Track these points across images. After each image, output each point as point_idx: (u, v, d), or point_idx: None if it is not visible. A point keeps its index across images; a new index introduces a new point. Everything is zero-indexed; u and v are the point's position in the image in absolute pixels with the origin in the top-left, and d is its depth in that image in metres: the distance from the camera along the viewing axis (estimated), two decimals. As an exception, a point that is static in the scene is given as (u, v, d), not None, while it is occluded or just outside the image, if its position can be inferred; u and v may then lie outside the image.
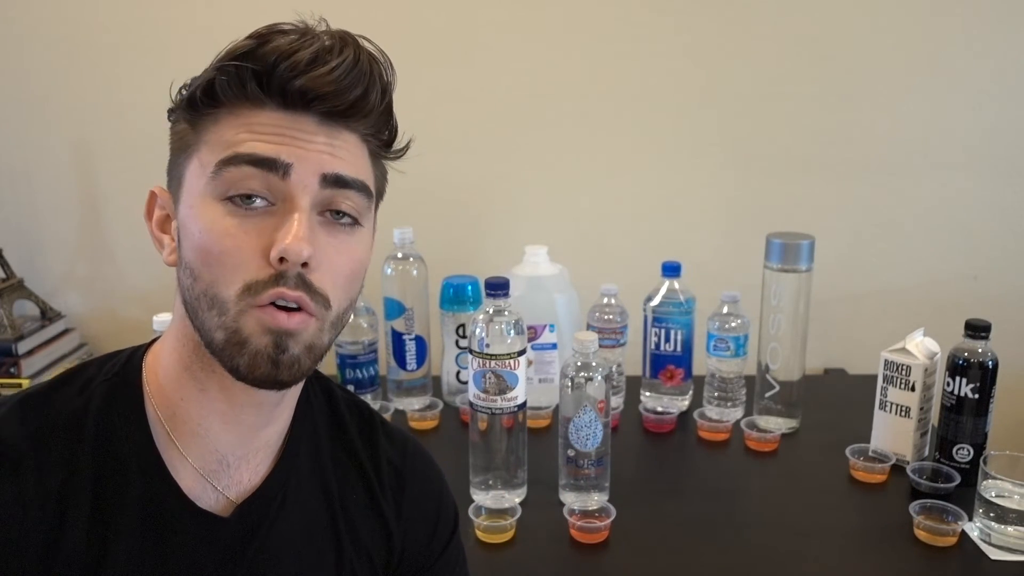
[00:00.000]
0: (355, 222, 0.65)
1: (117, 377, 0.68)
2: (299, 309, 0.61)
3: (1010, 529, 1.05)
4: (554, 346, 1.42)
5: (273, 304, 0.60)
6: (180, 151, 0.65)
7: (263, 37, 0.61)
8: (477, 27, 1.59)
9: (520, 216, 1.68)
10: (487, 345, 1.12)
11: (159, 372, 0.68)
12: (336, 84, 0.61)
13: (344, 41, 0.62)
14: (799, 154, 1.63)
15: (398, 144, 0.70)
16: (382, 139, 0.68)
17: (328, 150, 0.63)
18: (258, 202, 0.61)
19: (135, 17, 1.57)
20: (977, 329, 1.17)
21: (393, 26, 1.57)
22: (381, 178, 0.71)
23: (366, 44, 0.64)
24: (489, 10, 1.58)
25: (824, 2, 1.56)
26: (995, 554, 1.05)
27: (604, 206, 1.67)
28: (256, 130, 0.61)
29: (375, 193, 0.68)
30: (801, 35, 1.58)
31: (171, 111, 0.66)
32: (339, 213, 0.64)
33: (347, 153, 0.64)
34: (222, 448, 0.68)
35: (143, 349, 0.71)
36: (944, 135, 1.61)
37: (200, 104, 0.63)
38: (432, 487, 0.83)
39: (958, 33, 1.57)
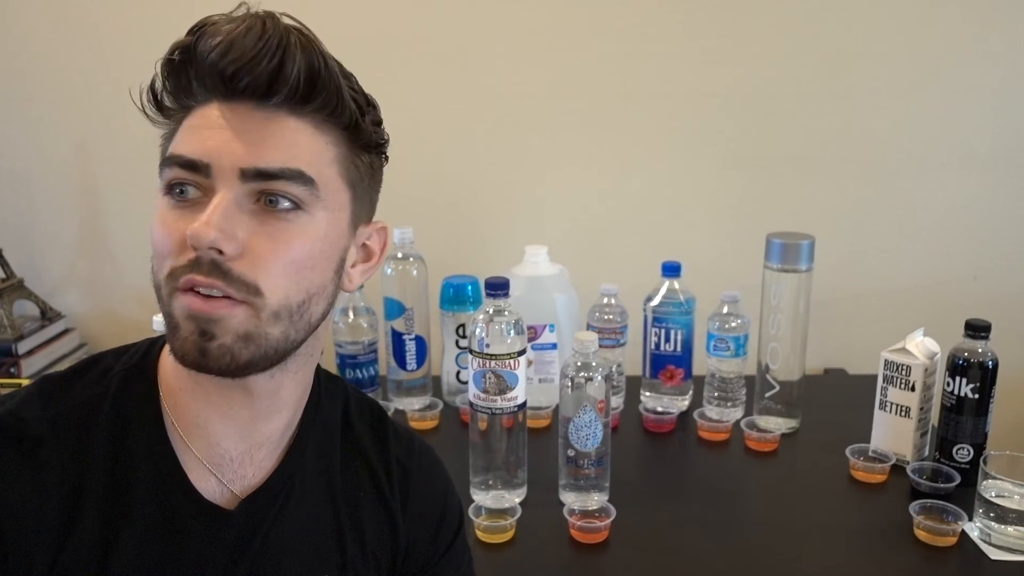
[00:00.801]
0: (295, 207, 0.63)
1: (135, 368, 0.69)
2: (223, 297, 0.61)
3: (1010, 529, 1.05)
4: (554, 346, 1.42)
5: (193, 290, 0.61)
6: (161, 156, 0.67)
7: (197, 31, 0.63)
8: (477, 28, 1.59)
9: (520, 216, 1.68)
10: (487, 345, 1.12)
11: (167, 364, 0.69)
12: (243, 58, 0.60)
13: (256, 18, 0.61)
14: (799, 154, 1.63)
15: (377, 136, 0.69)
16: (340, 123, 0.66)
17: (256, 140, 0.62)
18: (191, 192, 0.62)
19: (135, 17, 1.57)
20: (977, 329, 1.17)
21: (393, 27, 1.57)
22: (353, 168, 0.68)
23: (286, 20, 0.62)
24: (489, 11, 1.58)
25: (825, 2, 1.56)
26: (995, 554, 1.05)
27: (604, 206, 1.67)
28: (190, 130, 0.63)
29: (326, 182, 0.65)
30: (801, 35, 1.58)
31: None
32: (275, 200, 0.62)
33: (283, 140, 0.62)
34: (223, 442, 0.69)
35: (162, 340, 0.71)
36: (945, 135, 1.61)
37: (151, 114, 0.66)
38: (437, 485, 0.84)
39: (959, 33, 1.57)
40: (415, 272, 1.43)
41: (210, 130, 0.62)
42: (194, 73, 0.62)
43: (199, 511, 0.67)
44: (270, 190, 0.62)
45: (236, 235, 0.60)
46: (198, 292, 0.60)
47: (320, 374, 0.77)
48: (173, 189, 0.62)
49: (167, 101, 0.65)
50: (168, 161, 0.63)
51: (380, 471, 0.78)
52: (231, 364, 0.62)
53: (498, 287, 1.13)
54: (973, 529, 1.09)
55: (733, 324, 1.39)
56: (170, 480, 0.67)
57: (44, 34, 1.60)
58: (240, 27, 0.61)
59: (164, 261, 0.62)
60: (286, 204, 0.62)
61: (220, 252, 0.60)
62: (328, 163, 0.65)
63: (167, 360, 0.69)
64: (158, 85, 0.64)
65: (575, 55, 1.60)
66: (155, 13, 1.55)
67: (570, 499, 1.15)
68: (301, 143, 0.64)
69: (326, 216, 0.65)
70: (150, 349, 0.71)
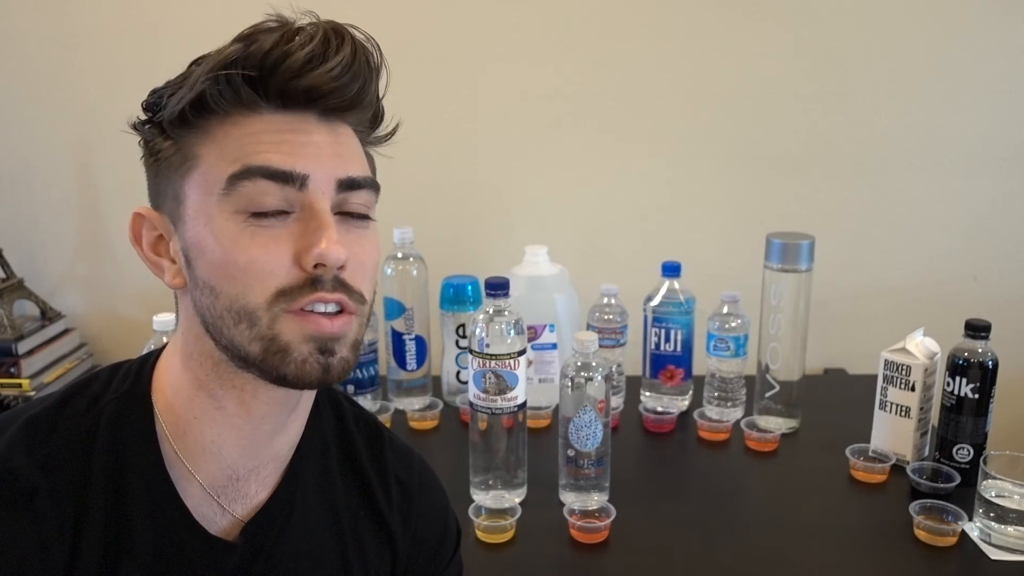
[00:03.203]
0: (366, 217, 0.65)
1: (128, 396, 0.66)
2: (340, 311, 0.61)
3: (1010, 529, 1.05)
4: (554, 346, 1.42)
5: (310, 310, 0.60)
6: (170, 170, 0.63)
7: (250, 38, 0.59)
8: (477, 28, 1.59)
9: (520, 216, 1.68)
10: (487, 345, 1.12)
11: (167, 392, 0.66)
12: (338, 81, 0.60)
13: (339, 35, 0.60)
14: (799, 154, 1.63)
15: (386, 129, 0.70)
16: (372, 126, 0.68)
17: (336, 151, 0.62)
18: (271, 207, 0.60)
19: (136, 17, 1.57)
20: (977, 329, 1.17)
21: (394, 27, 1.57)
22: (373, 166, 0.70)
23: (357, 34, 0.62)
24: (489, 11, 1.58)
25: (824, 2, 1.56)
26: (995, 554, 1.05)
27: (604, 206, 1.67)
28: (262, 138, 0.60)
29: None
30: (801, 35, 1.58)
31: (139, 125, 0.64)
32: (352, 211, 0.63)
33: (350, 150, 0.64)
34: (233, 463, 0.67)
35: (152, 361, 0.69)
36: (944, 135, 1.61)
37: (189, 116, 0.61)
38: (438, 502, 0.83)
39: (958, 33, 1.57)
40: (415, 272, 1.43)
41: (291, 142, 0.60)
42: (265, 86, 0.59)
43: (200, 544, 0.66)
44: (351, 203, 0.63)
45: (346, 248, 0.61)
46: (320, 312, 0.60)
47: None
48: (259, 210, 0.59)
49: (213, 106, 0.60)
50: (249, 173, 0.59)
51: (377, 488, 0.77)
52: (346, 373, 0.62)
53: (498, 287, 1.13)
54: (973, 529, 1.09)
55: (733, 324, 1.39)
56: (171, 513, 0.65)
57: (44, 34, 1.60)
58: (323, 48, 0.59)
59: (263, 283, 0.59)
60: (362, 212, 0.64)
61: (339, 267, 0.60)
62: (369, 167, 0.67)
63: (169, 388, 0.66)
64: (201, 87, 0.59)
65: (575, 55, 1.60)
66: (155, 13, 1.55)
67: (570, 499, 1.15)
68: (358, 149, 0.66)
69: (375, 222, 0.67)
70: (140, 372, 0.68)
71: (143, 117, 0.64)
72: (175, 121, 0.61)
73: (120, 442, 0.64)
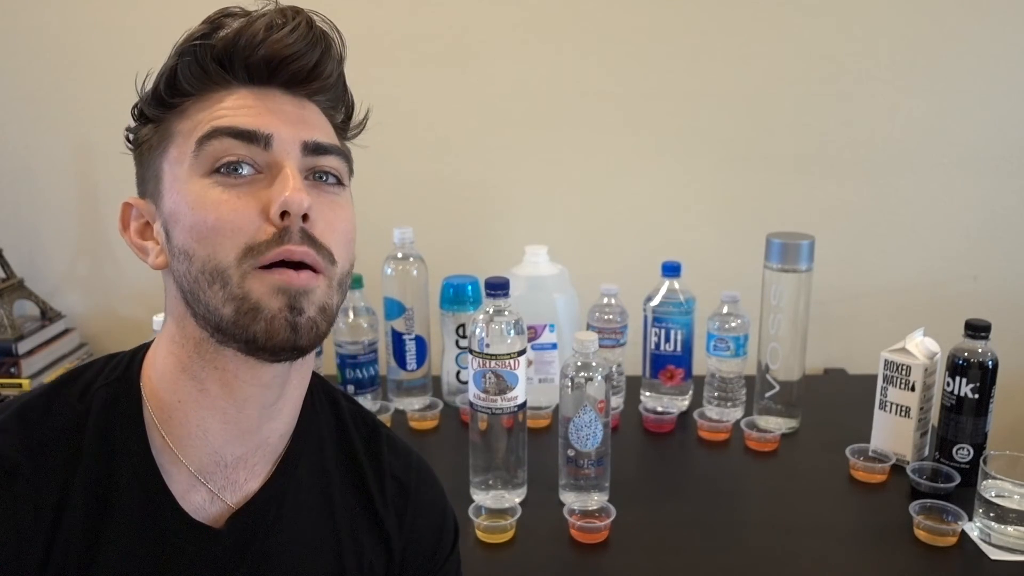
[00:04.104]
0: (338, 182, 0.67)
1: (118, 382, 0.68)
2: (306, 267, 0.61)
3: (1010, 529, 1.05)
4: (554, 346, 1.42)
5: (280, 264, 0.60)
6: (148, 152, 0.66)
7: (216, 21, 0.64)
8: (477, 28, 1.59)
9: (520, 216, 1.68)
10: (487, 345, 1.12)
11: (153, 377, 0.67)
12: (295, 47, 0.63)
13: (295, 11, 0.64)
14: (799, 154, 1.63)
15: (356, 117, 0.72)
16: (339, 114, 0.71)
17: (301, 117, 0.65)
18: (245, 170, 0.62)
19: (136, 17, 1.57)
20: (977, 329, 1.17)
21: (393, 26, 1.57)
22: (348, 154, 0.71)
23: (315, 15, 0.65)
24: (489, 11, 1.58)
25: (824, 2, 1.56)
26: (995, 554, 1.05)
27: (604, 206, 1.67)
28: (229, 106, 0.63)
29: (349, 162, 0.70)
30: (801, 35, 1.58)
31: (130, 129, 0.68)
32: (322, 176, 0.65)
33: (317, 120, 0.67)
34: (220, 448, 0.67)
35: (143, 352, 0.70)
36: (944, 135, 1.61)
37: (164, 97, 0.64)
38: (436, 499, 0.83)
39: (958, 33, 1.57)
40: (415, 272, 1.43)
41: (257, 108, 0.63)
42: (230, 59, 0.63)
43: (187, 531, 0.66)
44: (321, 165, 0.65)
45: (313, 202, 0.62)
46: (288, 265, 0.60)
47: (315, 381, 0.76)
48: (222, 168, 0.61)
49: (185, 85, 0.63)
50: (216, 133, 0.61)
51: (373, 484, 0.77)
52: (315, 338, 0.62)
53: (498, 287, 1.13)
54: (973, 529, 1.09)
55: (733, 324, 1.39)
56: (157, 499, 0.65)
57: (44, 34, 1.60)
58: (282, 20, 0.63)
59: (232, 240, 0.60)
60: (333, 179, 0.66)
61: (304, 219, 0.61)
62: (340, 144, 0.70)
63: (155, 373, 0.67)
64: (174, 67, 0.63)
65: (575, 55, 1.60)
66: (155, 13, 1.55)
67: (570, 499, 1.15)
68: (328, 126, 0.68)
69: (351, 194, 0.69)
70: (132, 361, 0.69)
71: (134, 121, 0.68)
72: (152, 103, 0.65)
73: (109, 428, 0.65)
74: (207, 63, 0.63)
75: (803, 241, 1.31)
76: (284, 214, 0.60)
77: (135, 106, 0.67)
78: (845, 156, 1.63)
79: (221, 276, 0.60)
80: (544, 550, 1.08)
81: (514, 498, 1.15)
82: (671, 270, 1.41)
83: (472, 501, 1.14)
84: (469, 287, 1.43)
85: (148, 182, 0.66)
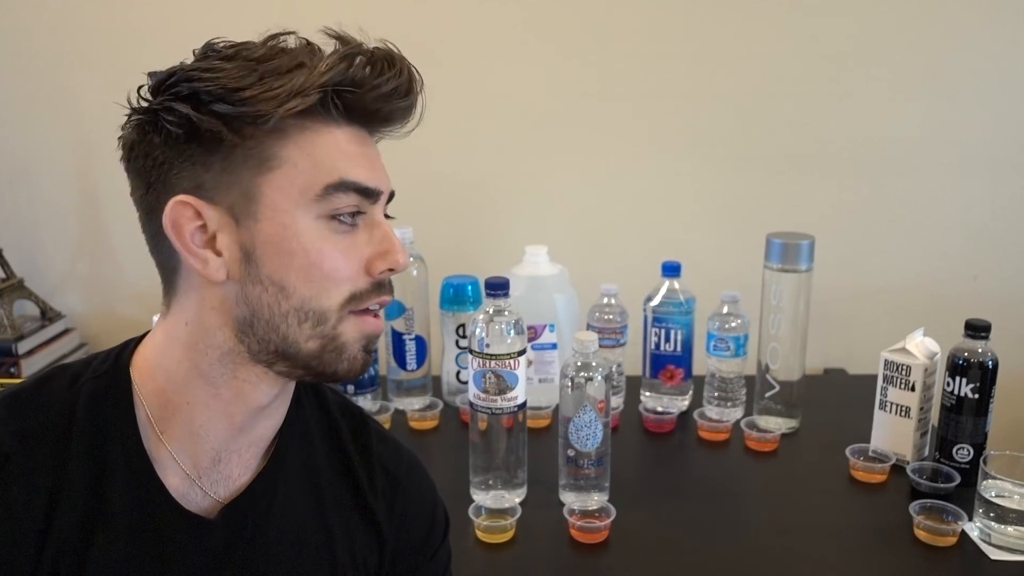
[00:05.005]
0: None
1: (107, 376, 0.68)
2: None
3: (1010, 529, 1.05)
4: (554, 346, 1.42)
5: (369, 311, 0.67)
6: (237, 163, 0.62)
7: (347, 59, 0.63)
8: (477, 29, 1.59)
9: (520, 216, 1.68)
10: (487, 345, 1.12)
11: (158, 376, 0.67)
12: (407, 113, 0.69)
13: (401, 63, 0.67)
14: (799, 154, 1.63)
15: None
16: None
17: (383, 166, 0.69)
18: (358, 221, 0.66)
19: (136, 17, 1.57)
20: (977, 329, 1.17)
21: (394, 26, 1.57)
22: None
23: (407, 61, 0.68)
24: (489, 11, 1.58)
25: (824, 2, 1.56)
26: (995, 554, 1.05)
27: (604, 206, 1.67)
28: (348, 152, 0.65)
29: None
30: (801, 35, 1.58)
31: (174, 109, 0.61)
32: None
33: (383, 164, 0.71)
34: (218, 446, 0.68)
35: (131, 347, 0.70)
36: (944, 135, 1.61)
37: (268, 115, 0.61)
38: (426, 490, 0.84)
39: (958, 33, 1.57)
40: (415, 272, 1.43)
41: (367, 158, 0.67)
42: (357, 106, 0.65)
43: (180, 521, 0.67)
44: (387, 207, 0.70)
45: None
46: (371, 312, 0.68)
47: None
48: (342, 217, 0.65)
49: (310, 116, 0.63)
50: (344, 186, 0.64)
51: (363, 476, 0.78)
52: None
53: (498, 287, 1.13)
54: (973, 529, 1.09)
55: (733, 324, 1.39)
56: (150, 490, 0.66)
57: (44, 34, 1.60)
58: (393, 74, 0.66)
59: (340, 286, 0.65)
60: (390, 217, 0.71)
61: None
62: None
63: (160, 372, 0.67)
64: (315, 98, 0.62)
65: (575, 55, 1.59)
66: (156, 13, 1.55)
67: (570, 499, 1.15)
68: None
69: None
70: (120, 355, 0.69)
71: (175, 99, 0.62)
72: (247, 117, 0.61)
73: (100, 419, 0.66)
74: (338, 104, 0.64)
75: (803, 241, 1.31)
76: (391, 270, 0.67)
77: (195, 94, 0.61)
78: (845, 156, 1.63)
79: (318, 317, 0.65)
80: (544, 550, 1.08)
81: (514, 498, 1.15)
82: (671, 270, 1.41)
83: (472, 501, 1.14)
84: (469, 287, 1.43)
85: (225, 190, 0.63)
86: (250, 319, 0.64)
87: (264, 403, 0.69)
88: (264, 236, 0.63)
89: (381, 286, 0.67)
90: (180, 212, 0.63)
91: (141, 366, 0.68)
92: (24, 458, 0.63)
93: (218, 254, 0.64)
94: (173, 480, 0.67)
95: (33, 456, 0.63)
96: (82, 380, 0.67)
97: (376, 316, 0.69)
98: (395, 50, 0.67)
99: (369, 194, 0.66)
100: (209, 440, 0.68)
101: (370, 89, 0.64)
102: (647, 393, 1.47)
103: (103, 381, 0.67)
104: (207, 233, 0.63)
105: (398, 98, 0.66)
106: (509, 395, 1.12)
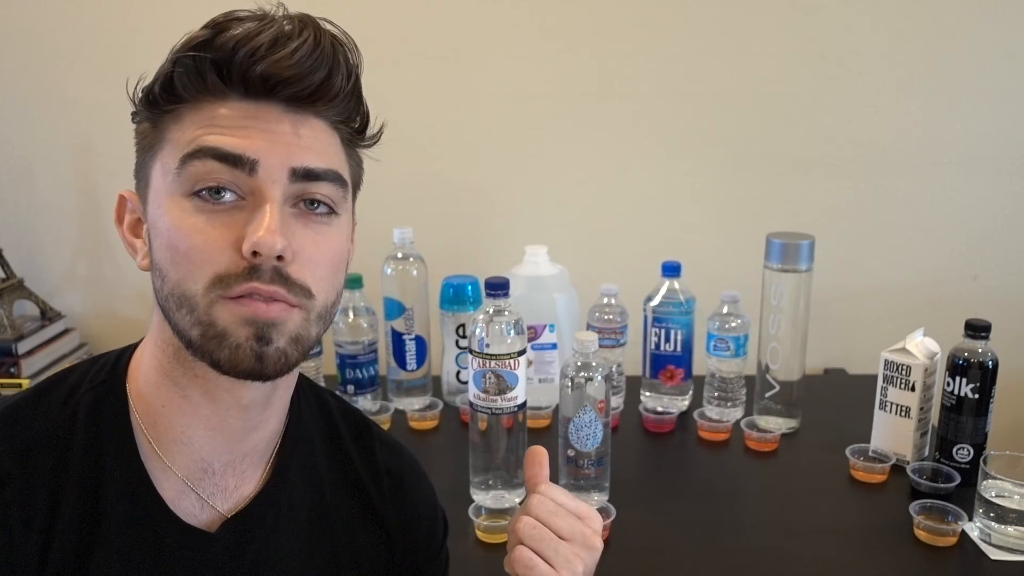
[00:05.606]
0: (331, 211, 0.63)
1: (104, 386, 0.67)
2: (279, 300, 0.60)
3: (1010, 529, 1.05)
4: (554, 346, 1.42)
5: (247, 296, 0.59)
6: (144, 151, 0.64)
7: (219, 26, 0.59)
8: (477, 28, 1.59)
9: (520, 216, 1.68)
10: (487, 345, 1.12)
11: (140, 379, 0.66)
12: (298, 67, 0.59)
13: (304, 23, 0.60)
14: (799, 154, 1.63)
15: (371, 131, 0.69)
16: (352, 126, 0.67)
17: (295, 140, 0.61)
18: (227, 196, 0.59)
19: (136, 17, 1.57)
20: (977, 329, 1.17)
21: (393, 26, 1.57)
22: (356, 167, 0.69)
23: (328, 26, 0.61)
24: (489, 11, 1.58)
25: (824, 2, 1.56)
26: (995, 554, 1.05)
27: (604, 206, 1.67)
28: (219, 123, 0.59)
29: (350, 183, 0.67)
30: (801, 35, 1.58)
31: (134, 112, 0.64)
32: (313, 203, 0.62)
33: (316, 142, 0.62)
34: (207, 455, 0.66)
35: (129, 353, 0.69)
36: (944, 135, 1.61)
37: (160, 100, 0.61)
38: (428, 492, 0.84)
39: (958, 33, 1.57)
40: (415, 272, 1.43)
41: (248, 127, 0.59)
42: (228, 71, 0.59)
43: (179, 535, 0.65)
44: (311, 192, 0.62)
45: (292, 240, 0.60)
46: (256, 298, 0.59)
47: (302, 382, 0.75)
48: (203, 192, 0.59)
49: (180, 91, 0.60)
50: (200, 153, 0.59)
51: (368, 482, 0.77)
52: (284, 368, 0.61)
53: (498, 287, 1.13)
54: (973, 529, 1.09)
55: (733, 324, 1.39)
56: (148, 504, 0.64)
57: (44, 34, 1.60)
58: (281, 30, 0.59)
59: (202, 268, 0.58)
60: (324, 208, 0.63)
61: (279, 258, 0.59)
62: (343, 164, 0.66)
63: (141, 376, 0.66)
64: (170, 71, 0.60)
65: (575, 55, 1.59)
66: (156, 13, 1.55)
67: (570, 499, 1.15)
68: (329, 144, 0.64)
69: (346, 217, 0.66)
70: (117, 363, 0.68)
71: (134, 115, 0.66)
72: (148, 103, 0.62)
73: (97, 432, 0.64)
74: (205, 71, 0.59)
75: (803, 241, 1.31)
76: (256, 252, 0.58)
77: (135, 102, 0.65)
78: (845, 156, 1.63)
79: (188, 302, 0.59)
80: (544, 550, 1.08)
81: (514, 498, 1.15)
82: (671, 270, 1.41)
83: (472, 501, 1.14)
84: (469, 287, 1.43)
85: (140, 181, 0.65)
86: (161, 308, 0.62)
87: (239, 411, 0.65)
88: (150, 220, 0.63)
89: (253, 271, 0.58)
90: (121, 204, 0.67)
91: (132, 371, 0.67)
92: (23, 478, 0.62)
93: (144, 244, 0.65)
94: (170, 490, 0.66)
95: (32, 475, 0.62)
96: (80, 391, 0.66)
97: (265, 302, 0.59)
98: (306, 20, 0.60)
99: (236, 161, 0.58)
100: (195, 448, 0.66)
101: (238, 50, 0.58)
102: (647, 393, 1.47)
103: (100, 391, 0.66)
104: (141, 224, 0.66)
105: (280, 55, 0.58)
106: (509, 395, 1.12)
